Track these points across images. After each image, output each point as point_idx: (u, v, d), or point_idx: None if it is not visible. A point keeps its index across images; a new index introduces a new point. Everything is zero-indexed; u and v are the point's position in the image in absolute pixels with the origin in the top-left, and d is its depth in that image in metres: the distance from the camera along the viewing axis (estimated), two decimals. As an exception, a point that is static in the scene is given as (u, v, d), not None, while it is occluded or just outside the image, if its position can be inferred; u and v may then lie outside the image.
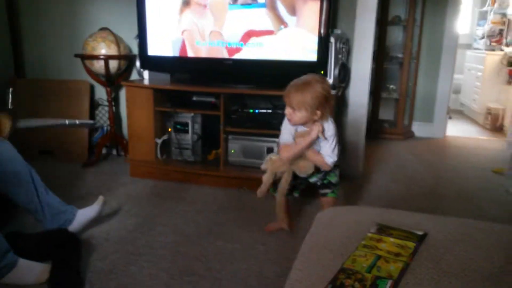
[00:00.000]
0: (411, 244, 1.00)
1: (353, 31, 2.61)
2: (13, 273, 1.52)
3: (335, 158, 1.73)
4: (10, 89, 3.00)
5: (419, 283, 0.87)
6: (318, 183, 1.87)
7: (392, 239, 1.02)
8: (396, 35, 4.06)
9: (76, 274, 1.55)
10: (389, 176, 2.90)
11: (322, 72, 2.37)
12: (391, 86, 4.14)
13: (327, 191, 1.86)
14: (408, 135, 4.10)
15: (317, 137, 1.69)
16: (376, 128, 4.02)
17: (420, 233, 1.06)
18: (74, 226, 1.87)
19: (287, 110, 1.67)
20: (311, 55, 2.34)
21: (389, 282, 0.85)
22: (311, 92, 1.60)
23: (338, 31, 2.52)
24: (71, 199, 2.13)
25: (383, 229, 1.08)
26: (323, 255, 1.01)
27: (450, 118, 4.49)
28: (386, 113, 4.17)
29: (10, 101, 2.99)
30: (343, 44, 2.51)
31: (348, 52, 2.63)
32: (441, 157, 3.52)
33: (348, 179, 2.75)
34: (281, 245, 1.89)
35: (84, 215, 1.91)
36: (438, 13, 3.92)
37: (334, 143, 1.72)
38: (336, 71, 2.46)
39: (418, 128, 4.16)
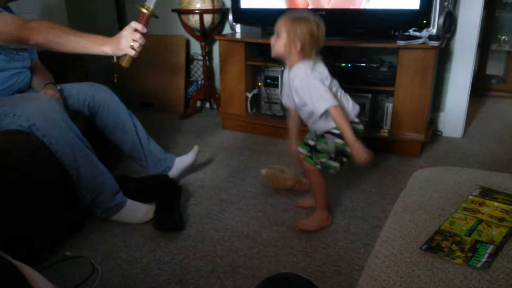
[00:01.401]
0: (518, 210, 0.92)
1: (462, -26, 2.35)
2: (122, 212, 1.71)
3: (327, 104, 1.55)
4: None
5: (526, 251, 0.80)
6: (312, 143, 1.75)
7: (496, 204, 0.95)
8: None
9: (177, 215, 1.69)
10: (494, 137, 2.66)
11: (424, 21, 2.18)
12: (503, 37, 3.69)
13: (308, 154, 1.71)
14: (520, 92, 3.67)
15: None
16: (482, 84, 3.65)
17: (530, 199, 0.96)
18: (173, 172, 2.02)
19: (272, 38, 1.61)
20: (413, 3, 2.16)
21: (491, 247, 0.80)
22: (301, 23, 1.54)
23: (445, -25, 2.28)
24: (169, 148, 2.29)
25: (487, 193, 1.00)
26: (418, 215, 0.97)
27: None
28: (495, 68, 3.75)
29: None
30: (450, -10, 2.27)
31: (455, -1, 2.38)
32: (559, 117, 3.12)
33: (448, 138, 2.58)
34: (369, 203, 1.87)
35: (181, 162, 2.04)
36: None
37: (320, 90, 1.56)
38: (441, 20, 2.24)
39: (533, 85, 3.70)
